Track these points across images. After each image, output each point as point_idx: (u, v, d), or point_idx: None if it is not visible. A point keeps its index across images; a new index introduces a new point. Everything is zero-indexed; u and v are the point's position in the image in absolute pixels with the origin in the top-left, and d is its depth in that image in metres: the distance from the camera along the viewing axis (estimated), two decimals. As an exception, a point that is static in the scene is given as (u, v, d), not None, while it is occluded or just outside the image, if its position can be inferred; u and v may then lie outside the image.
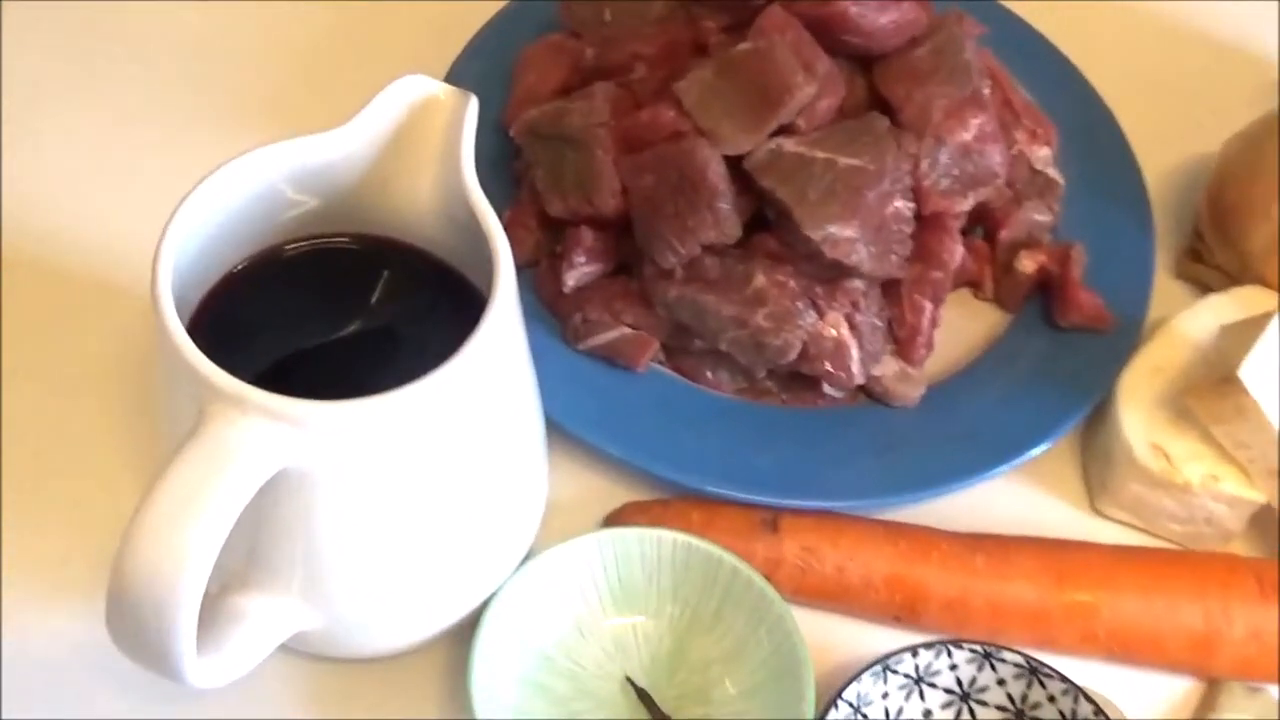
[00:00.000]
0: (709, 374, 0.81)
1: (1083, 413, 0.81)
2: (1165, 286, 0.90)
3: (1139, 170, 0.90)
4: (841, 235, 0.75)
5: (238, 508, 0.57)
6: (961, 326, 0.85)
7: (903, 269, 0.79)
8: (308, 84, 0.94)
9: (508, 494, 0.69)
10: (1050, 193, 0.86)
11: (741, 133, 0.77)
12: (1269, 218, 0.85)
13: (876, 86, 0.81)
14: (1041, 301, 0.85)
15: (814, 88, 0.77)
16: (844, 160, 0.77)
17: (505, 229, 0.77)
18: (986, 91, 0.83)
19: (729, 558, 0.73)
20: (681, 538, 0.74)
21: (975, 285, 0.86)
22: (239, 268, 0.67)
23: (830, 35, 0.80)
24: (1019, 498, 0.83)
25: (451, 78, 0.89)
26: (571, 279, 0.79)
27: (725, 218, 0.77)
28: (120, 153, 0.89)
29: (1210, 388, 0.78)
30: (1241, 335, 0.80)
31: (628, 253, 0.80)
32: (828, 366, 0.78)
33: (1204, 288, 0.90)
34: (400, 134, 0.67)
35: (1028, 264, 0.83)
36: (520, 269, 0.79)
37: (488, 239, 0.63)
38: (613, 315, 0.80)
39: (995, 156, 0.80)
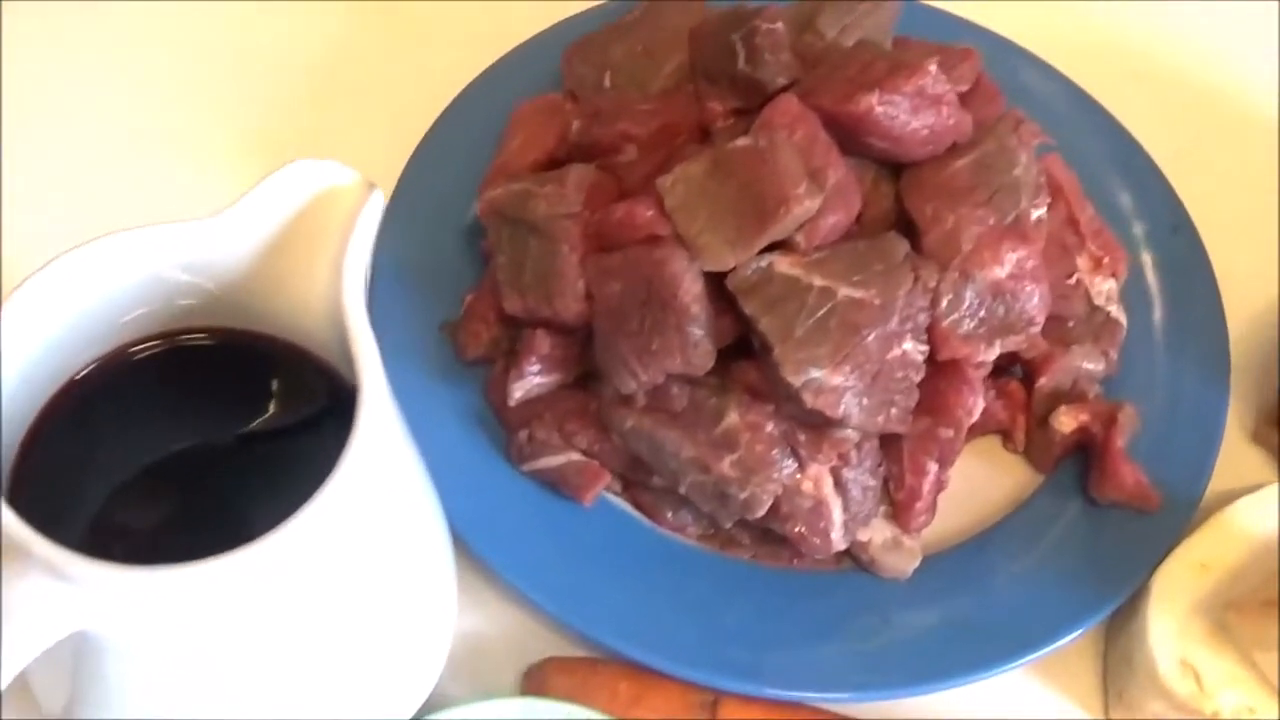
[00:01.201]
0: (669, 514, 0.69)
1: (1111, 607, 0.68)
2: (1239, 453, 0.76)
3: (1222, 314, 0.76)
4: (827, 383, 0.63)
5: (11, 672, 0.48)
6: (982, 483, 0.73)
7: (904, 423, 0.66)
8: (294, 122, 0.84)
9: (384, 644, 0.58)
10: (1109, 335, 0.73)
11: (726, 246, 0.65)
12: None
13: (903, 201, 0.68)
14: (1080, 464, 0.72)
15: (817, 201, 0.64)
16: (845, 291, 0.64)
17: (463, 316, 0.67)
18: (1041, 211, 0.70)
19: (653, 750, 0.62)
20: None
21: (1005, 434, 0.73)
22: (81, 374, 0.57)
23: (852, 136, 0.67)
24: (1023, 696, 0.70)
25: (439, 127, 0.78)
26: (519, 390, 0.68)
27: (695, 345, 0.65)
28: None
29: (1257, 605, 0.65)
30: (1313, 541, 0.66)
31: (592, 364, 0.69)
32: (800, 529, 0.66)
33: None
34: (298, 223, 0.57)
35: (1066, 422, 0.70)
36: (473, 364, 0.70)
37: (356, 361, 0.52)
38: (564, 437, 0.68)
39: (1033, 299, 0.67)
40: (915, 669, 0.66)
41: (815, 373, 0.63)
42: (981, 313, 0.67)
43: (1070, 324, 0.73)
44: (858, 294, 0.65)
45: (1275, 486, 0.71)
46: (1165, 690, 0.66)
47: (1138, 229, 0.78)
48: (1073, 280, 0.73)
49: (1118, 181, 0.79)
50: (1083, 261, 0.73)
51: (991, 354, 0.67)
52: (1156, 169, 0.79)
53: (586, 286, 0.67)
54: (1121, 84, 0.84)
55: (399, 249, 0.74)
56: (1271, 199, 0.85)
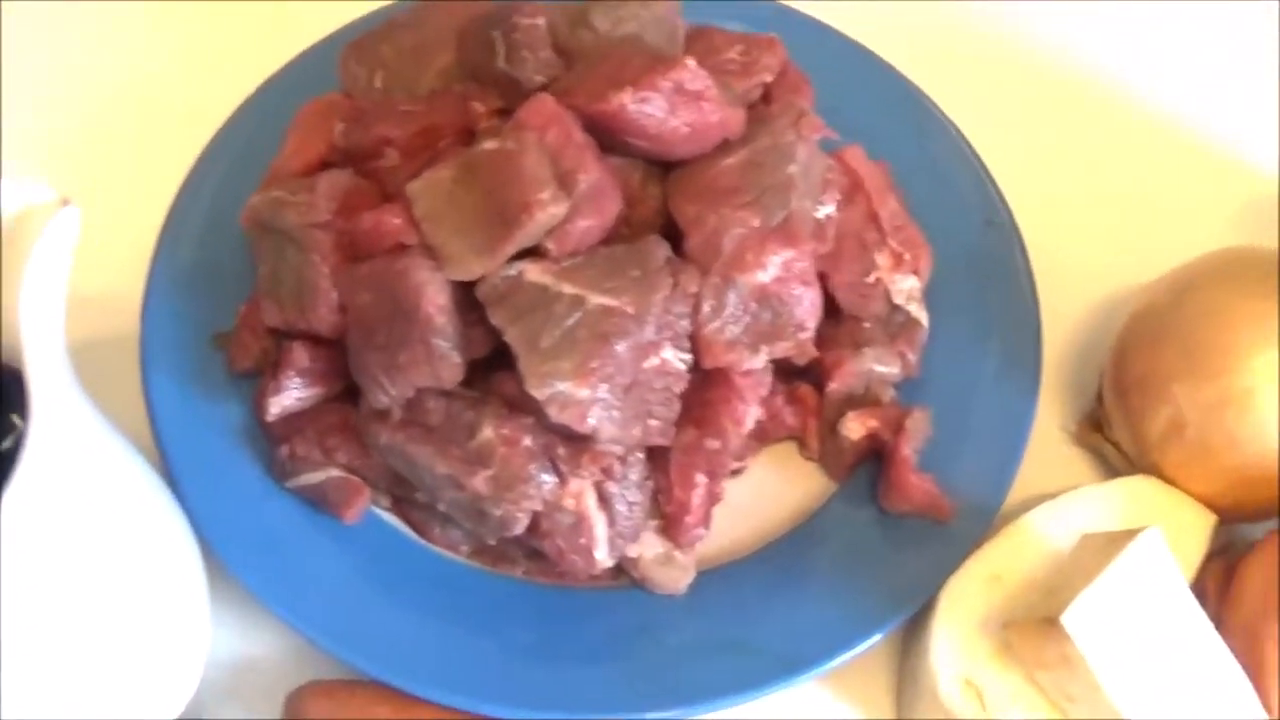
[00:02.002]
0: (438, 531, 0.67)
1: (892, 623, 0.65)
2: (1060, 457, 0.73)
3: (1036, 314, 0.72)
4: (573, 395, 0.60)
5: None
6: (775, 492, 0.70)
7: (666, 435, 0.63)
8: (84, 129, 0.81)
9: (116, 663, 0.56)
10: (909, 335, 0.70)
11: (473, 254, 0.62)
12: (1168, 399, 0.67)
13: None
14: (876, 471, 0.68)
15: (563, 206, 0.62)
16: (596, 299, 0.62)
17: (235, 327, 0.65)
18: (829, 209, 0.67)
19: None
20: (349, 747, 0.61)
21: (801, 441, 0.70)
22: None
23: (612, 136, 0.64)
24: (815, 712, 0.67)
25: (225, 131, 0.75)
26: (276, 405, 0.66)
27: (442, 358, 0.62)
28: None
29: (1034, 624, 0.62)
30: (1102, 553, 0.63)
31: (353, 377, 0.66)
32: (561, 546, 0.63)
33: (1106, 464, 0.72)
34: (4, 242, 0.54)
35: (854, 428, 0.67)
36: (246, 377, 0.67)
37: (26, 381, 0.50)
38: (325, 452, 0.66)
39: (803, 303, 0.64)
40: (687, 688, 0.64)
41: (560, 385, 0.61)
42: (746, 318, 0.64)
43: (866, 325, 0.69)
44: (609, 302, 0.62)
45: (1071, 494, 0.68)
46: (945, 710, 0.63)
47: (950, 224, 0.74)
48: (872, 279, 0.70)
49: (933, 175, 0.75)
50: (883, 259, 0.70)
51: (758, 361, 0.64)
52: (975, 162, 0.76)
53: (340, 298, 0.65)
54: (956, 79, 0.81)
55: (180, 258, 0.72)
56: (1104, 196, 0.81)
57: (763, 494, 0.69)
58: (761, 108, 0.68)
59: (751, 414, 0.65)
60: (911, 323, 0.70)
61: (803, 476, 0.70)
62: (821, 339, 0.69)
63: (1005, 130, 0.79)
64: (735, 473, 0.69)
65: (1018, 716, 0.63)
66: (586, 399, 0.61)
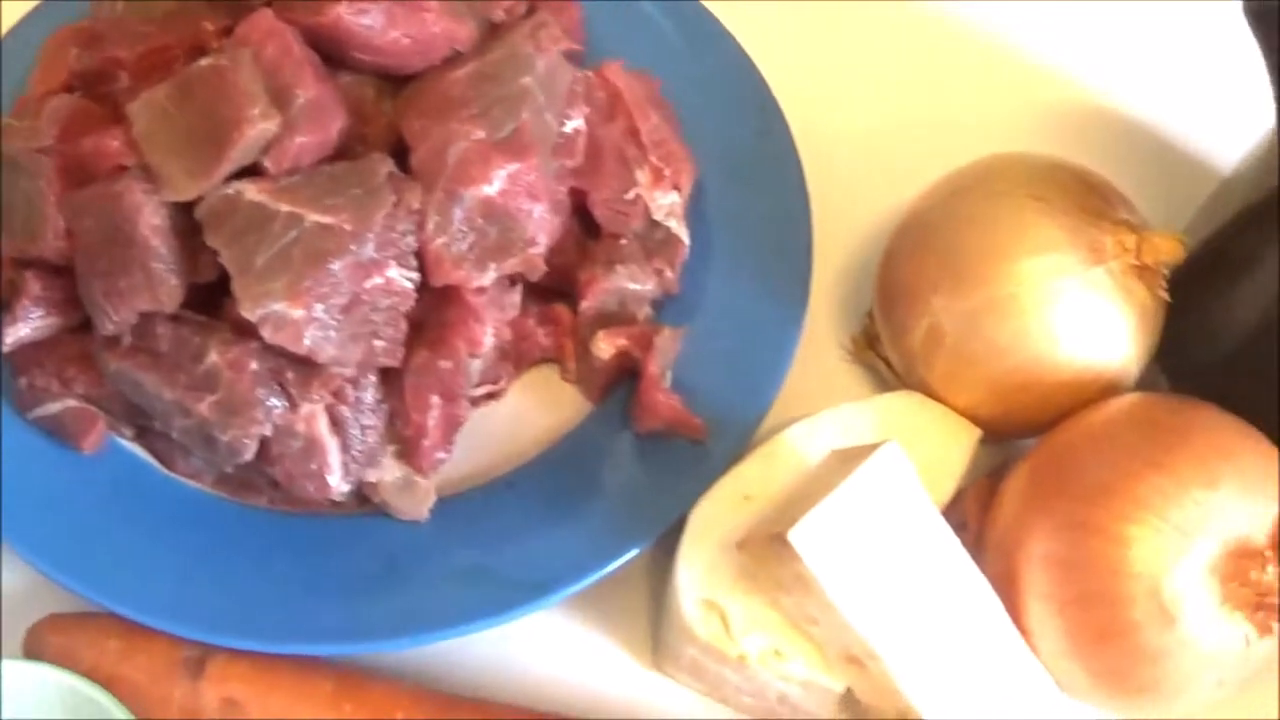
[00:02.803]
0: (181, 461, 0.66)
1: (640, 546, 0.63)
2: (841, 374, 0.71)
3: (807, 227, 0.70)
4: (288, 316, 0.59)
5: None
6: (534, 416, 0.68)
7: (394, 356, 0.62)
8: None
9: None
10: (668, 252, 0.68)
11: (187, 174, 0.61)
12: (927, 310, 0.65)
13: (401, 119, 0.63)
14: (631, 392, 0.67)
15: (274, 122, 0.60)
16: (314, 217, 0.60)
17: None
18: (576, 122, 0.65)
19: (121, 714, 0.59)
20: (68, 681, 0.60)
21: (560, 363, 0.68)
22: None
23: (336, 50, 0.62)
24: (573, 642, 0.66)
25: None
26: (11, 335, 0.65)
27: (161, 281, 0.61)
28: None
29: (767, 543, 0.60)
30: (842, 469, 0.61)
31: (94, 305, 0.65)
32: (292, 470, 0.62)
33: (879, 380, 0.70)
34: None
35: (604, 348, 0.66)
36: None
37: None
38: (63, 382, 0.65)
39: (531, 217, 0.62)
40: (429, 615, 0.63)
41: (274, 305, 0.59)
42: (473, 234, 0.62)
43: (624, 242, 0.67)
44: (327, 219, 0.60)
45: (830, 411, 0.66)
46: (689, 633, 0.62)
47: (724, 137, 0.72)
48: (631, 195, 0.68)
49: (708, 88, 0.73)
50: (643, 175, 0.68)
51: (486, 278, 0.62)
52: (751, 73, 0.74)
53: (66, 223, 0.63)
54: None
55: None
56: (894, 106, 0.79)
57: (521, 417, 0.68)
58: (508, 23, 0.66)
59: (488, 334, 0.63)
60: (671, 239, 0.68)
61: (563, 399, 0.68)
62: (579, 257, 0.67)
63: (790, 40, 0.77)
64: (493, 396, 0.68)
65: (760, 640, 0.61)
66: (301, 319, 0.59)
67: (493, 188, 0.62)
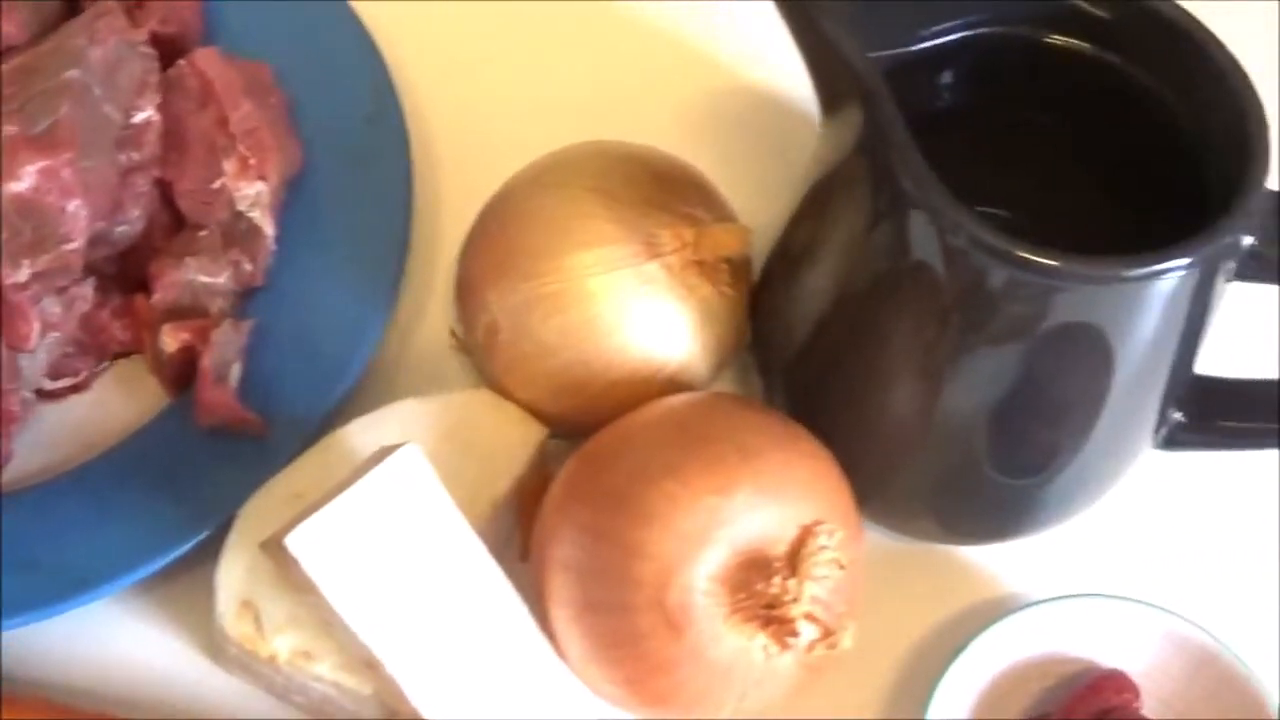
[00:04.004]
0: None
1: (188, 543, 0.63)
2: (454, 368, 0.69)
3: (406, 217, 0.69)
4: None
5: None
6: (115, 410, 0.68)
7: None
8: None
9: None
10: (251, 243, 0.67)
11: None
12: (485, 305, 0.64)
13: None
14: (210, 387, 0.66)
15: None
16: None
17: None
18: (145, 115, 0.64)
19: None
20: None
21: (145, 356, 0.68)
22: None
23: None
24: (143, 638, 0.66)
25: None
26: None
27: None
28: None
29: (277, 546, 0.59)
30: (363, 471, 0.60)
31: None
32: None
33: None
34: None
35: (169, 342, 0.65)
36: None
37: None
38: None
39: (65, 214, 0.61)
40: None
41: None
42: (6, 231, 0.61)
43: (203, 233, 0.67)
44: None
45: (391, 407, 0.65)
46: (224, 632, 0.61)
47: (334, 124, 0.70)
48: (216, 185, 0.67)
49: (324, 73, 0.72)
50: (230, 165, 0.67)
51: (20, 275, 0.62)
52: (369, 57, 0.72)
53: None
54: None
55: None
56: (526, 94, 0.77)
57: (106, 410, 0.67)
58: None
59: (35, 331, 0.62)
60: (254, 231, 0.67)
61: (149, 393, 0.68)
62: (159, 248, 0.66)
63: (422, 23, 0.75)
64: (76, 389, 0.67)
65: (290, 641, 0.61)
66: None
67: (23, 184, 0.61)
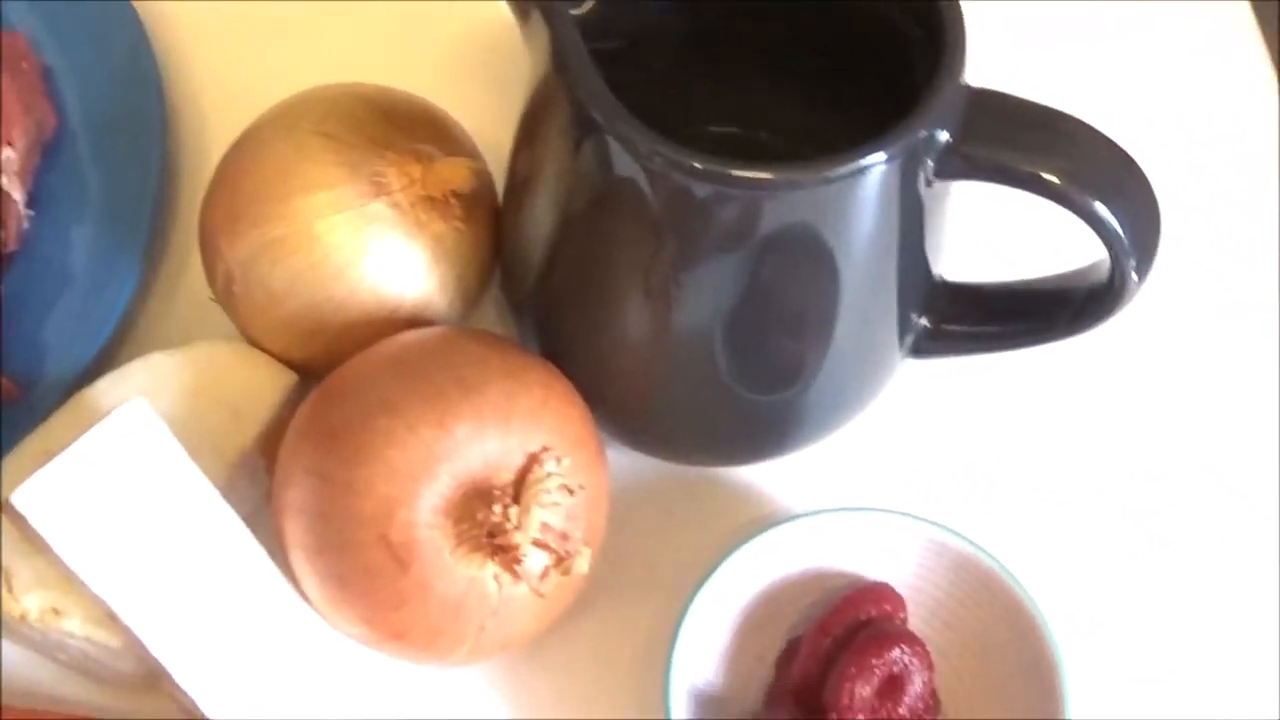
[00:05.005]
0: None
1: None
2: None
3: (154, 178, 0.69)
4: None
5: None
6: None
7: None
8: None
9: None
10: (1, 210, 0.67)
11: None
12: (221, 257, 0.64)
13: None
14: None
15: None
16: None
17: None
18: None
19: None
20: None
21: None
22: None
23: None
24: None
25: None
26: None
27: None
28: None
29: (8, 502, 0.59)
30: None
31: None
32: None
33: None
34: None
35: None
36: None
37: None
38: None
39: None
40: None
41: None
42: None
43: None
44: None
45: (140, 360, 0.65)
46: (-29, 595, 0.62)
47: (92, 87, 0.71)
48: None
49: (83, 33, 0.72)
50: (-15, 134, 0.67)
51: None
52: (129, 16, 0.72)
53: None
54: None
55: None
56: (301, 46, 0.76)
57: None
58: None
59: None
60: (3, 196, 0.67)
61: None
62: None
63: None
64: None
65: (39, 598, 0.61)
66: None
67: None
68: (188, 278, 0.70)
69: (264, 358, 0.65)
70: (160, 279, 0.70)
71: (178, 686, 0.59)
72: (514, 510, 0.57)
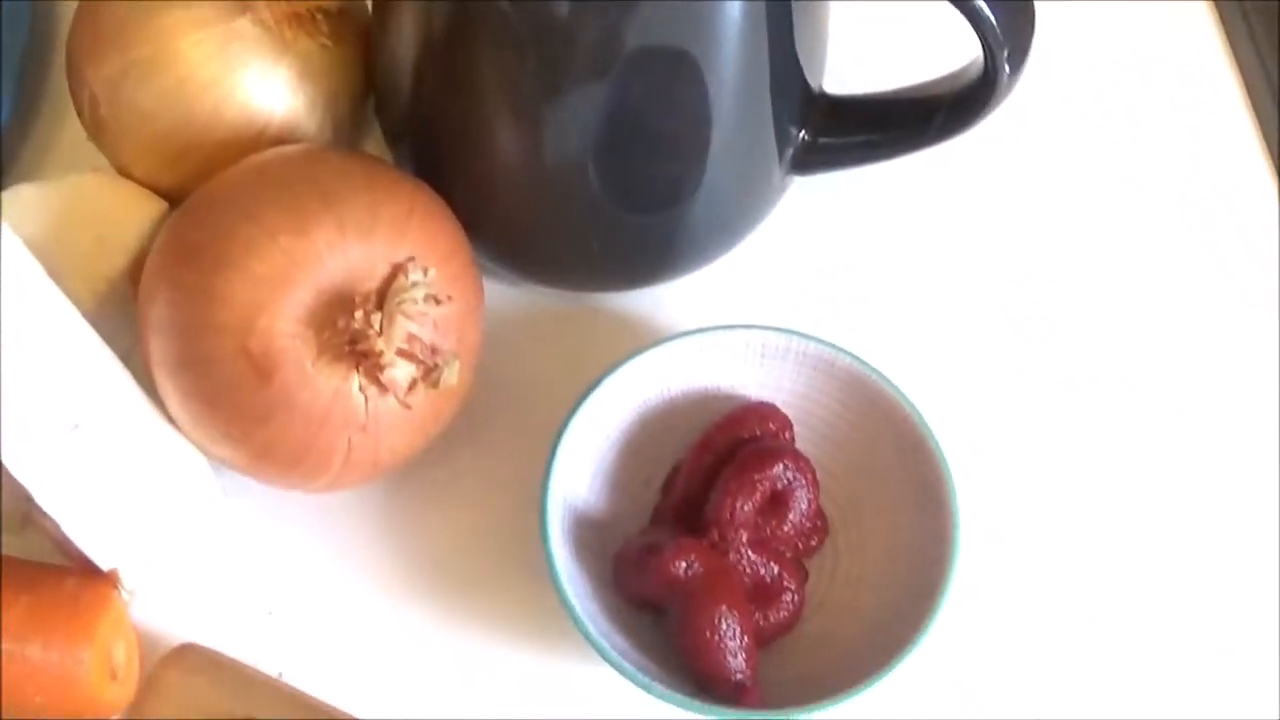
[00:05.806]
0: None
1: None
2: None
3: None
4: None
5: None
6: None
7: None
8: None
9: None
10: None
11: None
12: (85, 81, 0.62)
13: None
14: None
15: None
16: None
17: None
18: None
19: None
20: None
21: None
22: None
23: None
24: None
25: None
26: None
27: None
28: None
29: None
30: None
31: None
32: None
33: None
34: None
35: None
36: None
37: None
38: None
39: None
40: None
41: None
42: None
43: None
44: None
45: (5, 193, 0.64)
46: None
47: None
48: None
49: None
50: None
51: None
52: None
53: None
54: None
55: None
56: None
57: None
58: None
59: None
60: None
61: None
62: None
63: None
64: None
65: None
66: None
67: None
68: (67, 126, 0.68)
69: (132, 186, 0.63)
70: (38, 123, 0.69)
71: (47, 517, 0.58)
72: (376, 316, 0.55)
